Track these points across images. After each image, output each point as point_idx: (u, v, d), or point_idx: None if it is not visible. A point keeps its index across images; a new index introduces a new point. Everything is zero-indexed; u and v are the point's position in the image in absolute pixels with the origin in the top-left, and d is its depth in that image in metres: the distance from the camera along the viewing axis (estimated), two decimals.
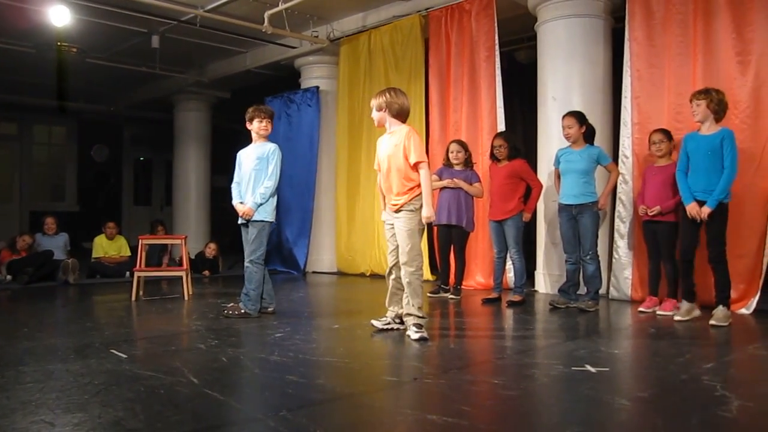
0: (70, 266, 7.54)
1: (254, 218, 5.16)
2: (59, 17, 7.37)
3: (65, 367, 3.40)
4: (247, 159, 5.33)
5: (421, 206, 4.36)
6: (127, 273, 8.05)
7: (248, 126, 5.37)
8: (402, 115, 4.49)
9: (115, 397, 2.83)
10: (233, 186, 5.39)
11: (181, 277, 6.50)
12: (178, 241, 7.44)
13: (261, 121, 5.30)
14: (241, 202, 5.25)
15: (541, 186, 6.10)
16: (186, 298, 6.30)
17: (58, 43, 9.22)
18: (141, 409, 2.65)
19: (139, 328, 5.01)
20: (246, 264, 5.17)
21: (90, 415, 2.58)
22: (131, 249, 8.60)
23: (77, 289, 7.29)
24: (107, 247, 8.69)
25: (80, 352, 3.80)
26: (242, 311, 5.13)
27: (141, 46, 9.44)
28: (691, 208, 4.89)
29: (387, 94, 4.45)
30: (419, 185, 4.36)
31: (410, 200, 4.37)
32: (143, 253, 6.46)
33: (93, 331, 4.55)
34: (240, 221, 5.28)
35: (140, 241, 6.55)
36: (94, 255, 8.61)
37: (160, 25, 8.68)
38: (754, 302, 5.33)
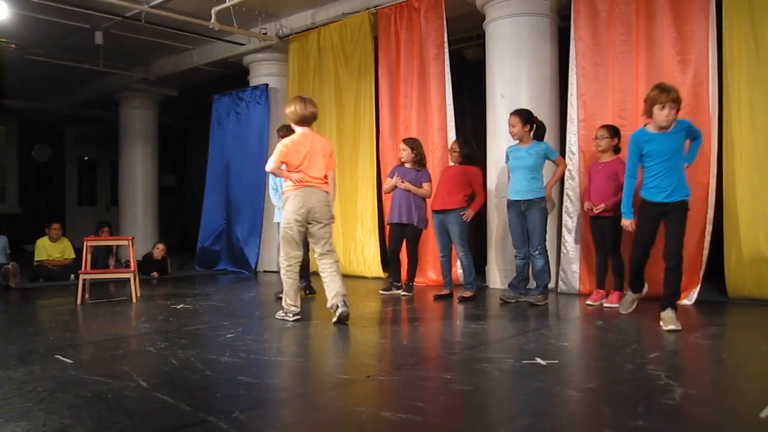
0: (11, 271, 7.28)
1: None
2: None
3: (7, 374, 3.28)
4: None
5: (285, 203, 4.86)
6: (72, 276, 7.84)
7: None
8: (302, 122, 4.83)
9: (60, 403, 2.75)
10: (271, 192, 6.41)
11: (128, 280, 6.36)
12: (124, 243, 7.27)
13: None
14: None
15: (484, 200, 6.19)
16: (134, 300, 6.16)
17: None
18: (88, 416, 2.59)
19: (86, 332, 4.88)
20: None
21: (34, 423, 2.50)
22: (76, 251, 8.35)
23: (19, 293, 7.05)
24: (51, 249, 8.41)
25: (23, 358, 3.68)
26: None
27: (84, 43, 9.17)
28: (628, 225, 4.75)
29: (289, 106, 4.85)
30: (290, 185, 4.78)
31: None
32: (88, 255, 6.29)
33: (36, 336, 4.42)
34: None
35: (85, 242, 6.38)
36: (37, 258, 8.32)
37: (103, 20, 8.46)
38: (695, 293, 5.53)
